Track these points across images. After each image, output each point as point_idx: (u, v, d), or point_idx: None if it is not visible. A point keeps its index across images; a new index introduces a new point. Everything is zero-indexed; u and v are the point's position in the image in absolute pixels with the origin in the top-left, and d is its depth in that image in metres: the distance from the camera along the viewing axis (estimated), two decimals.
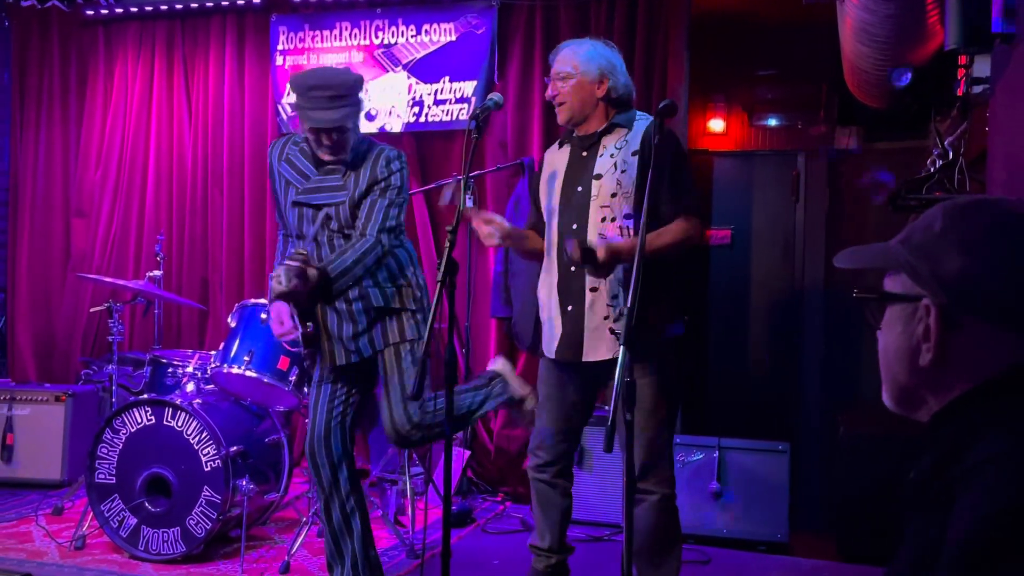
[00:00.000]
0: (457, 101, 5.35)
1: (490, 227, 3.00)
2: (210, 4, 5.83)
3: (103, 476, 3.92)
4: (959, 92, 3.49)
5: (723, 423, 4.99)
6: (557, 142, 3.25)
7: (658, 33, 5.01)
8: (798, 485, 4.44)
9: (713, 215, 5.57)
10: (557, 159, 3.17)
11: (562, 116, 3.12)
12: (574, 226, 3.00)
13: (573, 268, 3.02)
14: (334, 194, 3.20)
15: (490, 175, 5.08)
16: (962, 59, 3.36)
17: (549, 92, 3.14)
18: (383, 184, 3.18)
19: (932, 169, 3.82)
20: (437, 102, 5.39)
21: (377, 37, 5.53)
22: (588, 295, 2.98)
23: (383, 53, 5.51)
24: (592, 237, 2.94)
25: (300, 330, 3.18)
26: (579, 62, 3.06)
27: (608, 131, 3.07)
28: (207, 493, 3.80)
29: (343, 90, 3.10)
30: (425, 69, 5.42)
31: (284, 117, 5.60)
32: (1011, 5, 2.56)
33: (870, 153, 5.72)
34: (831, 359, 5.40)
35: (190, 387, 4.18)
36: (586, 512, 4.41)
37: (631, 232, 2.94)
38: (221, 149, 5.82)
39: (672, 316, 3.02)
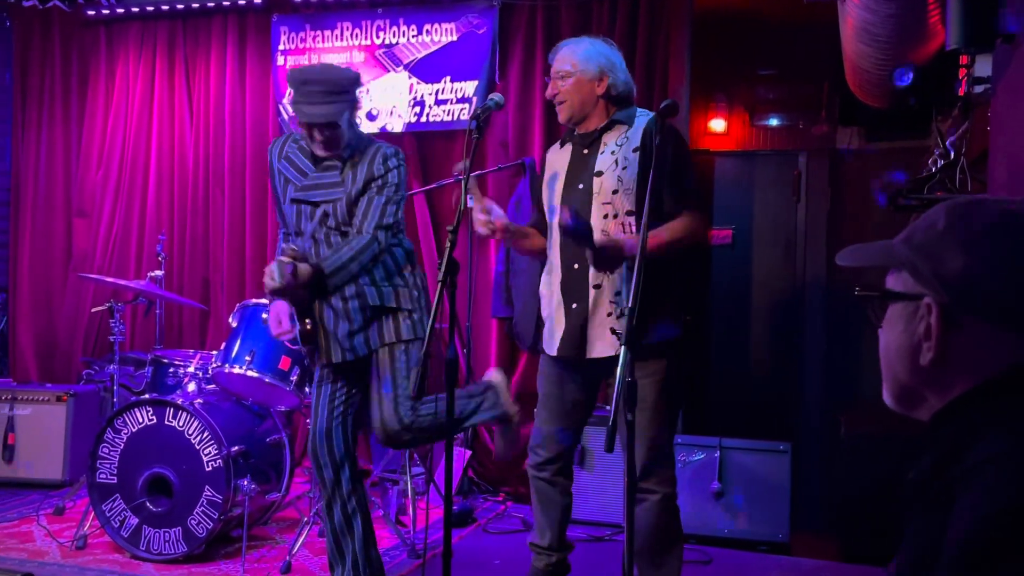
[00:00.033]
0: (458, 101, 5.35)
1: (485, 217, 3.00)
2: (211, 4, 5.83)
3: (104, 476, 3.92)
4: (960, 92, 3.49)
5: (724, 423, 4.98)
6: (559, 141, 3.25)
7: (659, 33, 5.01)
8: (799, 485, 4.44)
9: (714, 215, 5.57)
10: (559, 158, 3.17)
11: (563, 115, 3.13)
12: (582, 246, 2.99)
13: (576, 266, 3.02)
14: (331, 191, 3.19)
15: (491, 175, 5.08)
16: (963, 59, 3.36)
17: (549, 91, 3.15)
18: (380, 181, 3.17)
19: (933, 169, 3.82)
20: (438, 102, 5.39)
21: (378, 37, 5.53)
22: (592, 292, 2.99)
23: (384, 53, 5.51)
24: (595, 236, 2.94)
25: (298, 328, 3.19)
26: (578, 60, 3.06)
27: (609, 128, 3.07)
28: (208, 493, 3.80)
29: (336, 86, 3.10)
30: (426, 69, 5.42)
31: (285, 117, 5.60)
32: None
33: (872, 153, 5.72)
34: (832, 359, 5.40)
35: (191, 387, 4.18)
36: (587, 512, 4.42)
37: (633, 229, 2.94)
38: (222, 149, 5.82)
39: (674, 316, 3.02)
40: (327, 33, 5.61)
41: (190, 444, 3.83)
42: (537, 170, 3.38)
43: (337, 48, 5.57)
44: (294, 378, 3.94)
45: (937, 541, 0.98)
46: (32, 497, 4.78)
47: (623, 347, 2.30)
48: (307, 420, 4.60)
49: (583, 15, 5.12)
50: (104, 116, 6.08)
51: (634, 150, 2.99)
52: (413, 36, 5.45)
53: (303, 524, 3.98)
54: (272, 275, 2.94)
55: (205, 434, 3.82)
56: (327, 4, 5.66)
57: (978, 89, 3.28)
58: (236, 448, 3.84)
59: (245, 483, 3.80)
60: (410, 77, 5.45)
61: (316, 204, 3.21)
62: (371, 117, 5.48)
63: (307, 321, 3.19)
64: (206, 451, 3.81)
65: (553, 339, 3.09)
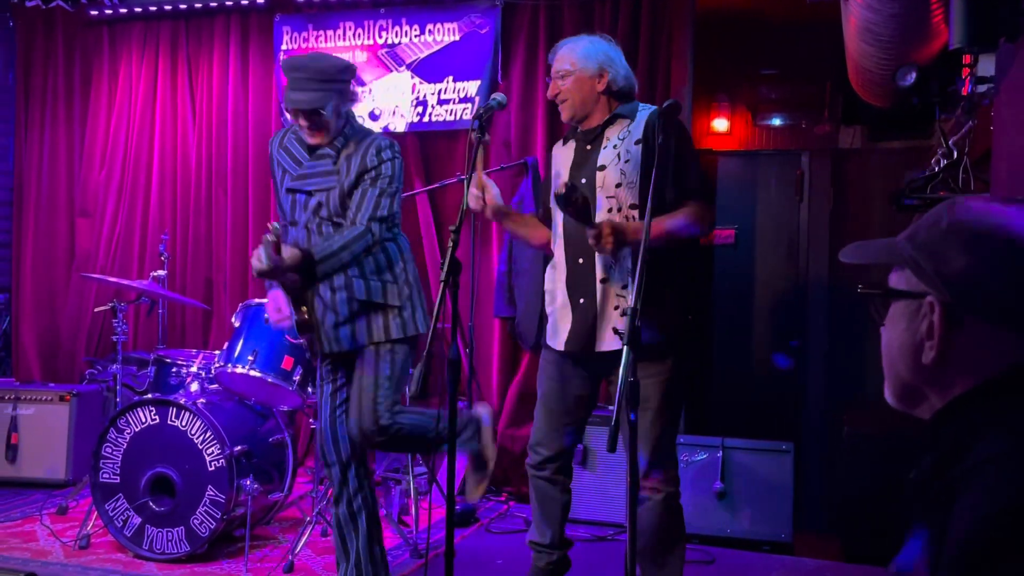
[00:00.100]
0: (461, 101, 5.35)
1: (479, 192, 3.03)
2: (214, 4, 5.83)
3: (107, 476, 3.92)
4: (964, 91, 3.48)
5: (727, 423, 4.98)
6: (562, 139, 3.26)
7: (662, 33, 5.01)
8: (802, 485, 4.44)
9: (717, 215, 5.56)
10: (562, 155, 3.18)
11: (565, 114, 3.13)
12: (581, 223, 3.00)
13: (581, 260, 3.02)
14: (325, 179, 3.20)
15: (493, 175, 5.07)
16: (966, 58, 3.35)
17: (550, 91, 3.15)
18: (373, 173, 3.17)
19: (937, 168, 3.82)
20: (441, 102, 5.39)
21: (381, 37, 5.53)
22: (599, 286, 2.99)
23: (387, 53, 5.51)
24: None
25: (295, 317, 3.19)
26: (577, 59, 3.07)
27: (611, 122, 3.08)
28: (211, 493, 3.80)
29: (321, 74, 3.13)
30: (429, 69, 5.42)
31: (288, 116, 5.60)
32: None
33: (874, 152, 5.72)
34: (835, 359, 5.39)
35: (194, 387, 4.18)
36: (590, 512, 4.42)
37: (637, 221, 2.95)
38: (225, 149, 5.83)
39: (676, 316, 3.02)
40: (330, 33, 5.61)
41: (193, 444, 3.84)
42: (540, 169, 3.39)
43: (340, 48, 5.57)
44: (297, 378, 3.94)
45: (936, 541, 0.98)
46: (35, 497, 4.79)
47: (625, 347, 2.30)
48: (309, 420, 4.61)
49: (585, 15, 5.12)
50: (107, 116, 6.09)
51: (636, 142, 3.00)
52: (416, 36, 5.46)
53: (306, 524, 3.98)
54: (259, 257, 2.93)
55: (208, 434, 3.82)
56: (330, 4, 5.66)
57: (981, 88, 3.27)
58: (239, 448, 3.84)
59: (248, 483, 3.81)
60: (413, 77, 5.46)
61: (310, 193, 3.23)
62: (374, 117, 5.49)
63: (303, 309, 3.18)
64: (209, 451, 3.82)
65: (558, 334, 3.09)
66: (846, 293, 5.23)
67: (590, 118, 3.11)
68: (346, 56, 5.53)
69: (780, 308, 5.55)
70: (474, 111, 5.10)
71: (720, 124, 6.43)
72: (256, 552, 3.98)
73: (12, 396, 5.12)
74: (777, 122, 6.49)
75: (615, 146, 3.03)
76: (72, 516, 4.46)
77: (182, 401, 3.88)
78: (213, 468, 3.81)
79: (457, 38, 5.37)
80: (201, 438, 3.83)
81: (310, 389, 3.99)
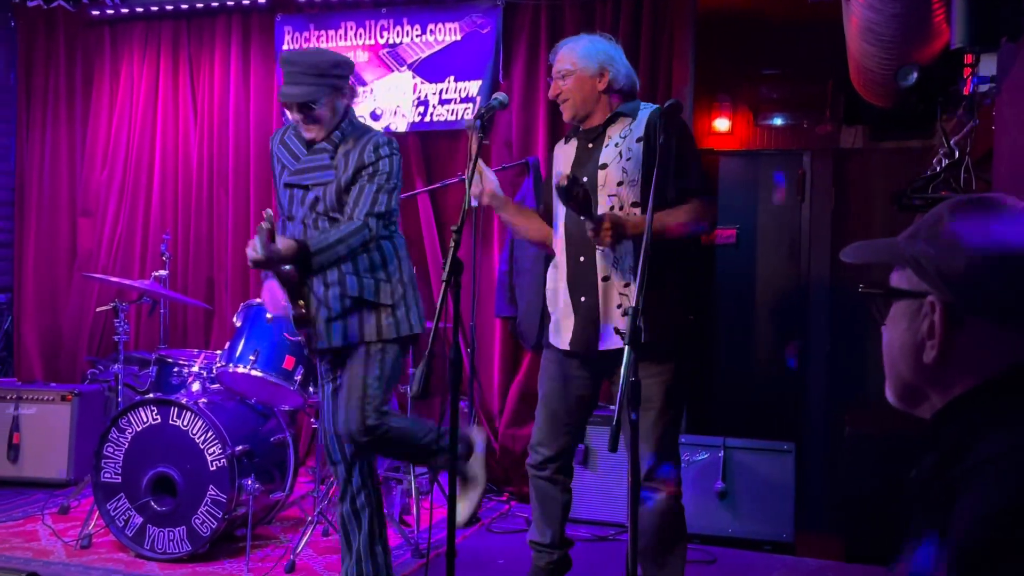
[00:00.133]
0: (462, 101, 5.35)
1: (478, 177, 3.06)
2: (215, 4, 5.83)
3: (109, 475, 3.93)
4: (965, 91, 3.48)
5: (728, 423, 4.97)
6: (564, 138, 3.26)
7: (663, 33, 5.01)
8: (803, 485, 4.43)
9: (719, 214, 5.56)
10: (564, 153, 3.19)
11: (567, 113, 3.14)
12: (581, 217, 3.00)
13: (582, 258, 3.02)
14: (322, 173, 3.21)
15: (495, 174, 5.07)
16: (968, 58, 3.35)
17: (552, 91, 3.16)
18: (371, 169, 3.17)
19: (938, 168, 3.81)
20: (442, 102, 5.39)
21: (382, 37, 5.53)
22: (600, 284, 2.99)
23: (388, 53, 5.51)
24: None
25: (293, 311, 3.19)
26: (577, 58, 3.08)
27: (612, 121, 3.08)
28: (213, 492, 3.80)
29: (313, 68, 3.15)
30: (430, 69, 5.42)
31: (289, 116, 5.60)
32: None
33: (875, 152, 5.72)
34: (836, 359, 5.39)
35: (196, 386, 4.19)
36: (591, 511, 4.41)
37: None
38: (227, 149, 5.83)
39: (678, 316, 3.02)
40: (331, 33, 5.62)
41: (194, 443, 3.84)
42: (542, 169, 3.39)
43: (341, 48, 5.56)
44: (298, 378, 3.94)
45: (937, 541, 0.98)
46: (37, 496, 4.79)
47: (627, 347, 2.30)
48: (311, 419, 4.62)
49: (586, 14, 5.12)
50: (108, 116, 6.09)
51: (637, 140, 3.00)
52: (417, 36, 5.46)
53: (307, 523, 3.98)
54: (254, 246, 2.93)
55: (209, 433, 3.83)
56: (331, 4, 5.66)
57: (983, 88, 3.27)
58: (240, 447, 3.85)
59: (249, 482, 3.81)
60: (414, 77, 5.46)
61: (307, 188, 3.24)
62: (375, 117, 5.49)
63: (300, 303, 3.17)
64: (210, 450, 3.82)
65: (561, 334, 3.09)
66: (848, 293, 5.22)
67: (592, 117, 3.11)
68: (347, 56, 5.53)
69: (782, 308, 5.54)
70: (475, 111, 5.11)
71: (721, 124, 6.42)
72: (257, 552, 3.98)
73: (14, 396, 5.12)
74: (779, 122, 6.48)
75: (617, 144, 3.03)
76: (74, 516, 4.46)
77: (184, 401, 3.89)
78: (214, 468, 3.81)
79: (458, 38, 5.37)
80: (202, 438, 3.83)
81: (311, 389, 3.99)
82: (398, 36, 5.50)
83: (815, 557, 4.17)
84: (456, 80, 5.37)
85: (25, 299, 6.18)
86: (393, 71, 5.50)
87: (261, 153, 5.71)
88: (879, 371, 1.20)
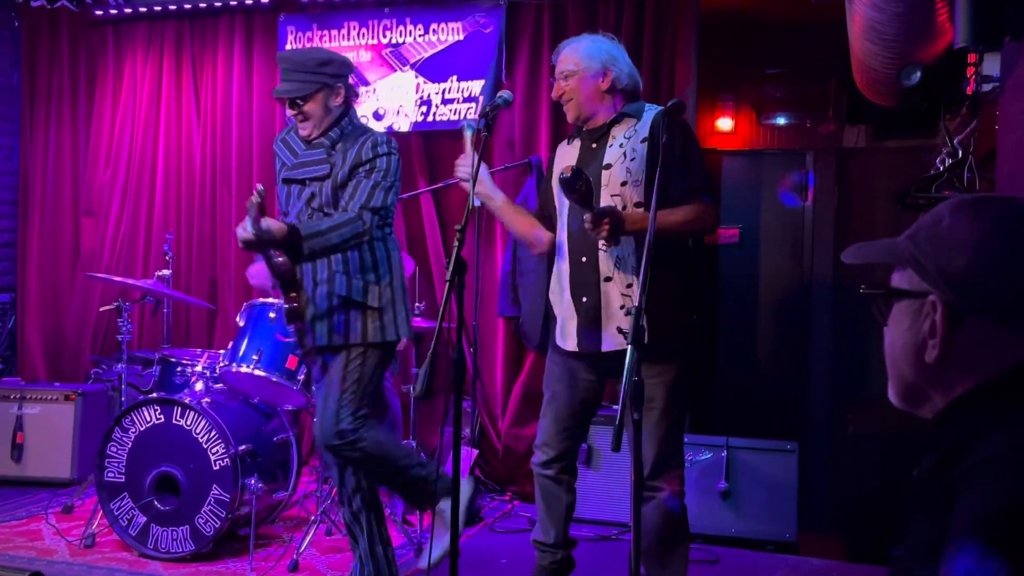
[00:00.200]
0: (465, 100, 5.35)
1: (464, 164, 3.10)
2: (218, 4, 5.84)
3: (112, 475, 3.93)
4: (968, 90, 3.48)
5: (731, 422, 4.97)
6: (567, 138, 3.26)
7: (666, 33, 5.01)
8: (806, 484, 4.43)
9: (722, 214, 5.56)
10: (567, 154, 3.18)
11: (571, 114, 3.14)
12: (583, 208, 2.99)
13: (585, 259, 3.02)
14: (317, 167, 3.23)
15: (498, 174, 5.07)
16: (971, 57, 3.35)
17: (555, 92, 3.16)
18: (368, 166, 3.18)
19: (941, 167, 3.81)
20: (445, 101, 5.39)
21: (385, 36, 5.53)
22: (603, 285, 2.99)
23: (391, 52, 5.51)
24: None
25: (285, 303, 3.18)
26: (580, 58, 3.08)
27: (617, 121, 3.08)
28: (216, 492, 3.81)
29: (303, 66, 3.22)
30: (433, 68, 5.42)
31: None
32: None
33: (879, 151, 5.71)
34: (840, 358, 5.38)
35: (199, 386, 4.19)
36: (594, 511, 4.41)
37: None
38: (230, 148, 5.83)
39: (681, 315, 3.02)
40: (334, 32, 5.62)
41: (197, 443, 3.84)
42: (544, 168, 3.39)
43: (344, 48, 5.57)
44: (301, 377, 3.94)
45: (938, 541, 0.98)
46: (41, 496, 4.80)
47: (629, 346, 2.30)
48: (313, 419, 4.62)
49: (589, 14, 5.12)
50: (112, 116, 6.10)
51: (642, 141, 3.00)
52: (420, 35, 5.46)
53: (310, 523, 3.99)
54: (244, 226, 2.92)
55: (212, 433, 3.83)
56: (334, 4, 5.66)
57: (986, 87, 3.27)
58: (243, 447, 3.85)
59: (252, 482, 3.81)
60: (417, 76, 5.46)
61: (304, 183, 3.26)
62: (378, 116, 5.49)
63: (292, 296, 3.16)
64: (213, 450, 3.82)
65: (566, 335, 3.09)
66: (851, 292, 5.22)
67: (595, 117, 3.11)
68: (350, 55, 5.52)
69: (785, 307, 5.54)
70: (479, 110, 5.11)
71: (724, 123, 6.42)
72: (261, 551, 3.99)
73: (17, 395, 5.13)
74: (781, 121, 6.48)
75: (621, 145, 3.03)
76: (77, 515, 4.47)
77: (187, 400, 3.89)
78: (218, 467, 3.82)
79: (461, 38, 5.37)
80: (206, 437, 3.84)
81: (314, 388, 3.99)
82: (401, 36, 5.50)
83: (818, 557, 4.16)
84: (459, 80, 5.37)
85: (29, 299, 6.18)
86: (396, 71, 5.50)
87: (264, 153, 5.71)
88: (882, 371, 1.20)
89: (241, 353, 3.92)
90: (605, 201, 2.98)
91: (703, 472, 4.34)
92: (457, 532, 2.58)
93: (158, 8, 5.92)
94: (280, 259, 3.08)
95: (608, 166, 3.02)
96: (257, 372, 3.88)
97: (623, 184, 2.99)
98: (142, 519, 3.89)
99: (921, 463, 1.10)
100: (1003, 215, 1.11)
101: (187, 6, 5.88)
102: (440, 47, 5.41)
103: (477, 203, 3.08)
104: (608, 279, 2.99)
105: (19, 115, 6.27)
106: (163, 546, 3.87)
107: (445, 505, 3.29)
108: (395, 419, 4.82)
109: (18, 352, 6.18)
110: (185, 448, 3.85)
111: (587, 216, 2.86)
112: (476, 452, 5.00)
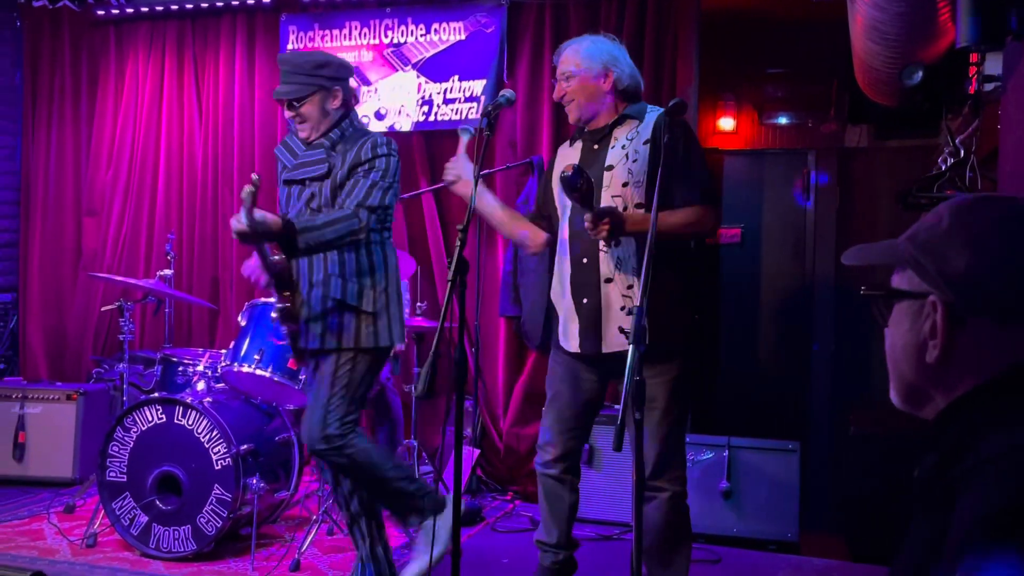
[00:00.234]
0: (466, 100, 5.35)
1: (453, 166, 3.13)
2: (220, 4, 5.84)
3: (114, 474, 3.93)
4: (971, 90, 3.48)
5: (733, 422, 4.98)
6: (568, 140, 3.26)
7: (667, 32, 5.01)
8: (808, 484, 4.43)
9: (723, 213, 5.57)
10: (568, 155, 3.18)
11: (572, 115, 3.14)
12: (583, 207, 2.99)
13: (585, 260, 3.02)
14: (316, 167, 3.24)
15: (500, 174, 5.08)
16: (973, 57, 3.34)
17: (556, 93, 3.15)
18: (367, 166, 3.18)
19: (943, 167, 3.81)
20: (446, 101, 5.39)
21: (387, 36, 5.53)
22: (603, 286, 2.99)
23: (392, 52, 5.52)
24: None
25: (278, 302, 3.18)
26: (581, 59, 3.07)
27: (619, 123, 3.08)
28: (218, 491, 3.81)
29: (298, 68, 3.24)
30: (434, 68, 5.43)
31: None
32: None
33: (880, 151, 5.71)
34: (841, 358, 5.39)
35: (200, 386, 4.19)
36: (596, 511, 4.41)
37: None
38: (231, 148, 5.84)
39: (683, 315, 3.02)
40: (336, 32, 5.62)
41: (199, 442, 3.85)
42: (546, 169, 3.39)
43: (346, 47, 5.57)
44: (303, 377, 3.94)
45: (938, 541, 0.98)
46: (42, 495, 4.80)
47: (631, 346, 2.30)
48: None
49: (591, 14, 5.11)
50: (113, 116, 6.10)
51: (644, 143, 3.00)
52: (421, 35, 5.46)
53: (312, 522, 3.99)
54: (239, 217, 2.91)
55: (214, 432, 3.83)
56: (336, 3, 5.67)
57: (988, 87, 3.27)
58: (245, 447, 3.85)
59: (254, 481, 3.81)
60: (418, 76, 5.46)
61: (304, 184, 3.26)
62: (379, 116, 5.49)
63: (286, 295, 3.15)
64: (215, 449, 3.83)
65: (569, 335, 3.09)
66: (852, 292, 5.22)
67: (597, 118, 3.11)
68: (352, 55, 5.54)
69: (787, 307, 5.54)
70: (481, 109, 5.11)
71: (726, 123, 6.41)
72: (262, 551, 3.99)
73: (19, 395, 5.13)
74: (783, 121, 6.47)
75: (623, 146, 3.03)
76: (79, 515, 4.47)
77: (188, 400, 3.89)
78: (219, 467, 3.82)
79: (463, 37, 5.37)
80: (207, 437, 3.84)
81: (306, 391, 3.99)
82: (402, 36, 5.50)
83: (820, 557, 4.16)
84: (460, 79, 5.37)
85: (30, 299, 6.19)
86: (397, 71, 5.50)
87: (266, 152, 5.71)
88: (884, 370, 1.20)
89: (243, 353, 3.92)
90: (606, 202, 2.98)
91: (705, 472, 4.34)
92: (458, 535, 2.58)
93: (160, 8, 5.92)
94: (276, 257, 3.08)
95: (610, 167, 3.02)
96: (259, 372, 3.88)
97: (624, 185, 2.98)
98: (144, 519, 3.89)
99: (922, 463, 1.10)
100: (1003, 215, 1.11)
101: (189, 6, 5.89)
102: (442, 47, 5.42)
103: (493, 199, 3.09)
104: (609, 280, 2.98)
105: (21, 115, 6.28)
106: (165, 546, 3.87)
107: (434, 524, 3.26)
108: (396, 419, 4.83)
109: (20, 352, 6.19)
110: (187, 448, 3.86)
111: (587, 216, 2.86)
112: (478, 452, 5.01)
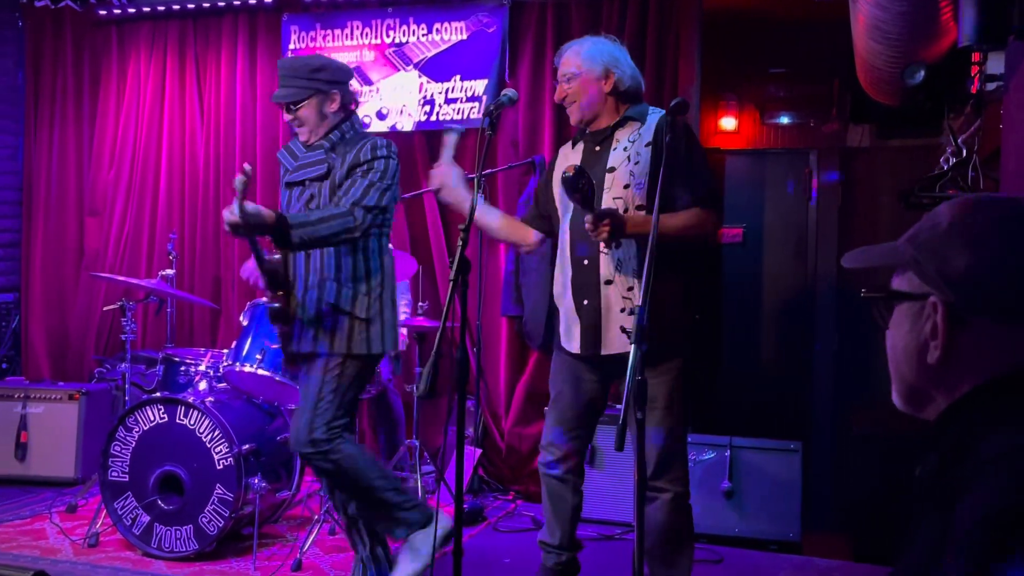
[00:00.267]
0: (468, 100, 5.35)
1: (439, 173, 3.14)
2: (222, 3, 5.84)
3: (116, 474, 3.94)
4: (973, 89, 3.47)
5: (735, 422, 4.98)
6: (570, 141, 3.25)
7: (669, 32, 5.00)
8: (810, 484, 4.42)
9: (725, 213, 5.57)
10: (570, 156, 3.18)
11: (574, 116, 3.13)
12: (583, 209, 2.99)
13: (586, 262, 3.02)
14: (315, 168, 3.25)
15: (501, 174, 5.08)
16: (976, 56, 3.34)
17: (557, 95, 3.15)
18: (365, 167, 3.18)
19: (946, 167, 3.80)
20: (448, 101, 5.39)
21: (388, 36, 5.53)
22: (603, 288, 2.99)
23: (394, 52, 5.52)
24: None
25: (269, 303, 3.17)
26: (582, 61, 3.07)
27: (621, 125, 3.07)
28: (219, 491, 3.81)
29: (294, 72, 3.27)
30: (436, 68, 5.43)
31: None
32: None
33: (883, 151, 5.70)
34: (843, 357, 5.38)
35: (202, 385, 4.19)
36: (598, 510, 4.41)
37: None
38: (233, 148, 5.84)
39: (684, 314, 3.02)
40: (337, 32, 5.62)
41: (201, 442, 3.85)
42: (546, 168, 3.38)
43: (347, 47, 5.58)
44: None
45: (940, 541, 0.98)
46: (45, 495, 4.81)
47: (633, 345, 2.30)
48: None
49: (593, 13, 5.11)
50: (116, 115, 6.10)
51: (646, 145, 3.00)
52: (423, 35, 5.46)
53: (314, 522, 3.99)
54: (231, 209, 2.91)
55: (216, 432, 3.83)
56: (337, 3, 5.66)
57: (990, 86, 3.26)
58: (247, 446, 3.85)
59: (256, 481, 3.81)
60: (420, 76, 5.46)
61: (303, 185, 3.27)
62: (381, 116, 5.49)
63: (279, 294, 3.14)
64: (217, 449, 3.83)
65: (571, 337, 3.09)
66: (854, 292, 5.21)
67: (598, 120, 3.11)
68: (353, 55, 5.54)
69: (789, 307, 5.54)
70: (483, 109, 5.11)
71: (728, 123, 6.41)
72: (264, 550, 3.99)
73: (21, 395, 5.14)
74: (785, 120, 6.46)
75: (625, 148, 3.02)
76: (81, 514, 4.47)
77: (190, 400, 3.89)
78: (221, 466, 3.82)
79: (464, 37, 5.37)
80: (209, 436, 3.84)
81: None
82: (404, 35, 5.50)
83: (822, 557, 4.15)
84: (462, 79, 5.37)
85: (33, 298, 6.19)
86: (399, 70, 5.50)
87: (268, 152, 5.71)
88: (886, 370, 1.20)
89: (244, 352, 3.92)
90: (607, 204, 2.98)
91: (707, 472, 4.34)
92: (459, 535, 2.58)
93: (162, 8, 5.93)
94: (274, 257, 3.08)
95: (612, 169, 3.02)
96: (260, 371, 3.88)
97: (626, 187, 2.98)
98: (146, 518, 3.90)
99: (923, 463, 1.10)
100: (1003, 215, 1.11)
101: (191, 6, 5.89)
102: (443, 47, 5.42)
103: (481, 201, 3.08)
104: (609, 282, 2.98)
105: (23, 115, 6.28)
106: (167, 545, 3.87)
107: (418, 538, 3.24)
108: (398, 421, 4.83)
109: (22, 351, 6.19)
110: (189, 447, 3.86)
111: (588, 217, 2.86)
112: (479, 451, 5.01)
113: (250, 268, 3.25)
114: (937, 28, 3.34)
